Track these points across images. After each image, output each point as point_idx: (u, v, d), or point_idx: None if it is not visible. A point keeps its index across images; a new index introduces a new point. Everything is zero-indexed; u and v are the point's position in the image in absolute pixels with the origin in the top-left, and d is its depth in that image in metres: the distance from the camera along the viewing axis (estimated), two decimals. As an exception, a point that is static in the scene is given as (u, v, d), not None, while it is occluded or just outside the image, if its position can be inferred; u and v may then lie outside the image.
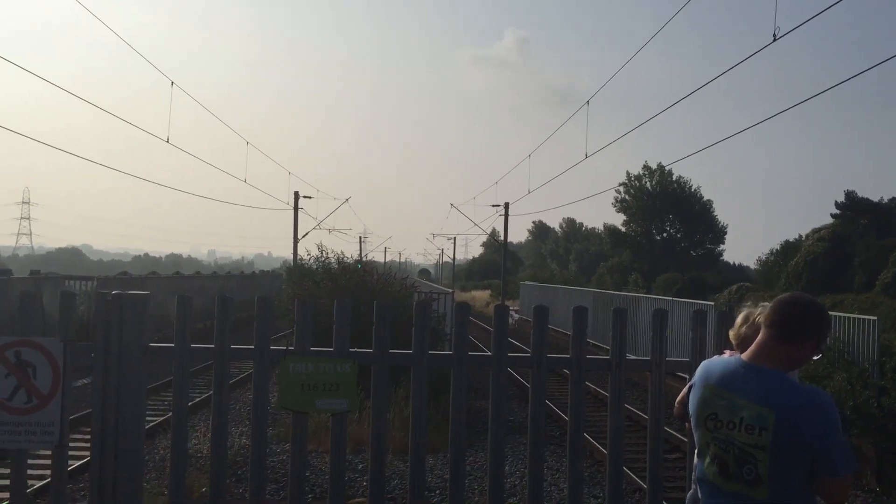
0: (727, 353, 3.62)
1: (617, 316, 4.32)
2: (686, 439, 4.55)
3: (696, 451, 3.10)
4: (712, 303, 21.66)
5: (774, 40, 10.04)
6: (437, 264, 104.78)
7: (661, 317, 4.30)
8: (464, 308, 4.40)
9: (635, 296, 27.05)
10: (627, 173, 65.39)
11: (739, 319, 3.51)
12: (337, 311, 4.29)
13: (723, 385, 2.91)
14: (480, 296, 59.41)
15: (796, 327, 2.79)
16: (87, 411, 11.26)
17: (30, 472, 4.55)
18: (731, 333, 3.54)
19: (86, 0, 13.94)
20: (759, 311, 3.40)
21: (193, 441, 10.00)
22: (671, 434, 11.31)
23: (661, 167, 62.89)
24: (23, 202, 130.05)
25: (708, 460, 2.94)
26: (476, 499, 8.39)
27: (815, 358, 2.90)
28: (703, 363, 3.13)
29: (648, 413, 4.38)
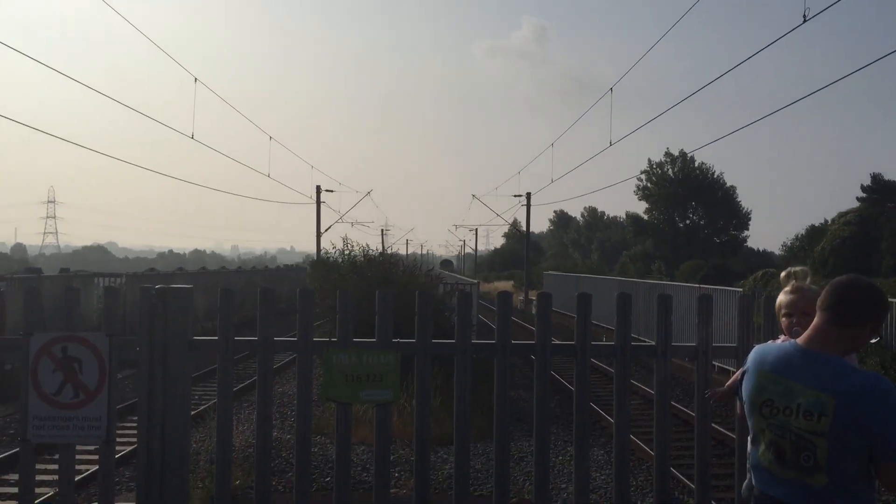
0: (781, 339, 3.59)
1: (662, 302, 4.29)
2: (734, 436, 4.49)
3: (750, 438, 3.07)
4: (741, 289, 21.50)
5: (804, 21, 9.91)
6: (458, 255, 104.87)
7: (706, 302, 4.26)
8: (506, 297, 4.39)
9: (660, 283, 26.89)
10: (649, 161, 65.09)
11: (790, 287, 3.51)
12: (379, 302, 4.29)
13: (778, 371, 2.87)
14: (503, 286, 59.34)
15: (853, 311, 2.75)
16: (129, 402, 11.45)
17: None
18: (781, 298, 3.54)
19: (110, -2, 14.03)
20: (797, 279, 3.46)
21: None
22: (714, 427, 11.23)
23: (682, 154, 62.48)
24: (48, 201, 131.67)
25: (763, 447, 2.90)
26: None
27: (872, 341, 2.85)
28: (756, 348, 3.09)
29: (695, 401, 4.34)
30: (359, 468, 8.72)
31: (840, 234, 44.07)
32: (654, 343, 4.32)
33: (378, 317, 4.28)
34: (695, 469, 4.34)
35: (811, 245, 48.76)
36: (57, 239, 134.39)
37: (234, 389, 13.84)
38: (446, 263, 75.10)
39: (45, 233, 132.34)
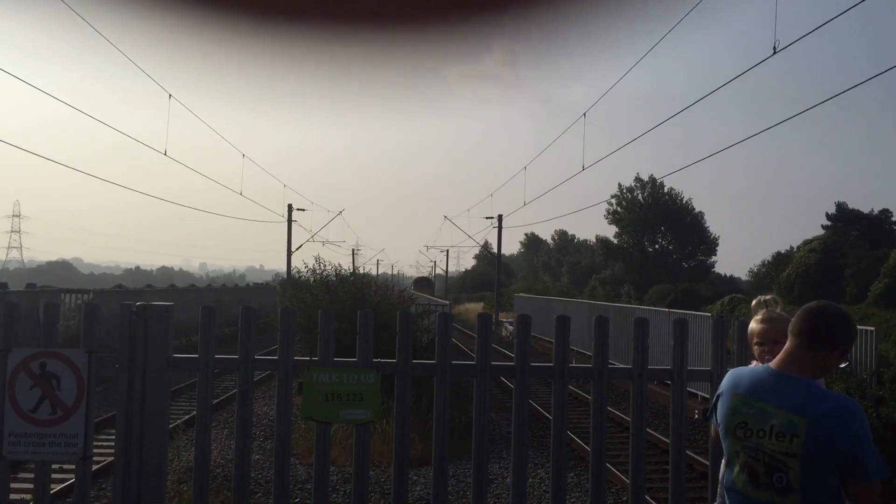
0: (754, 364, 3.69)
1: (638, 326, 4.37)
2: (704, 460, 4.58)
3: (724, 460, 3.14)
4: (709, 314, 21.76)
5: (774, 53, 10.18)
6: (429, 276, 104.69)
7: (682, 326, 4.36)
8: (486, 319, 4.44)
9: (631, 307, 27.13)
10: (619, 185, 65.78)
11: (760, 316, 3.63)
12: (360, 322, 4.32)
13: (752, 393, 2.95)
14: (473, 308, 59.25)
15: (824, 336, 2.85)
16: (102, 417, 11.31)
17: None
18: (752, 326, 3.66)
19: (82, 11, 13.96)
20: (768, 308, 3.60)
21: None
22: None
23: (652, 179, 63.26)
24: (13, 215, 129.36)
25: (737, 469, 2.97)
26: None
27: (842, 365, 2.95)
28: (731, 372, 3.18)
29: (671, 424, 4.42)
30: (328, 489, 8.68)
31: (805, 262, 44.83)
32: (630, 366, 4.40)
33: (359, 336, 4.31)
34: (669, 493, 4.41)
35: (777, 271, 49.52)
36: (21, 254, 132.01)
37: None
38: (424, 281, 73.27)
39: (9, 247, 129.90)
